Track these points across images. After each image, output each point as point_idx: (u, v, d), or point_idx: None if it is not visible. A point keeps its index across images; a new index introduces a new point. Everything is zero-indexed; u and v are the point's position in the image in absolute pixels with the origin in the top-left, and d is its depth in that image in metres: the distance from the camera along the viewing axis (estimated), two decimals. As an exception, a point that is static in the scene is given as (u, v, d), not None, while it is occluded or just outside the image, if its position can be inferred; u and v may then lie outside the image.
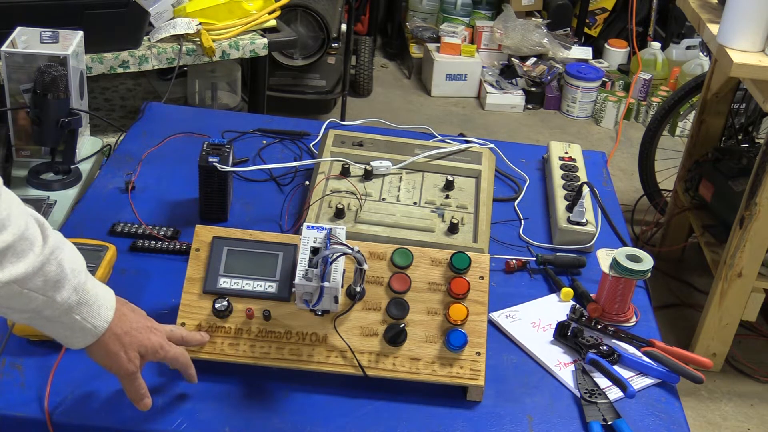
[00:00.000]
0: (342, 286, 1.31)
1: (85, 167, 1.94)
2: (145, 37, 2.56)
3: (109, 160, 1.90)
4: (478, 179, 1.80)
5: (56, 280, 1.06)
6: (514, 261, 1.66)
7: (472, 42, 4.72)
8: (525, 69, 4.59)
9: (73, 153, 1.88)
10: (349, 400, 1.32)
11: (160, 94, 3.03)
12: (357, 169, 1.79)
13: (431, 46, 4.64)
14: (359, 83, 4.43)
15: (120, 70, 2.50)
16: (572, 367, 1.43)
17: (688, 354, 1.46)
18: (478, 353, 1.33)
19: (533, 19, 4.72)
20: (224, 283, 1.36)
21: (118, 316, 1.16)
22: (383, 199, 1.72)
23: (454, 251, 1.40)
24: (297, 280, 1.27)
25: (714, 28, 2.51)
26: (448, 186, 1.76)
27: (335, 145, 1.84)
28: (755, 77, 2.42)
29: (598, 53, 4.80)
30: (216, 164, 1.64)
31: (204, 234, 1.40)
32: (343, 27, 4.06)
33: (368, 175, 1.77)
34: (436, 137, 1.99)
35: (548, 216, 1.84)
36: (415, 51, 4.81)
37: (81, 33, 1.95)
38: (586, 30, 4.92)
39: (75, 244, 1.49)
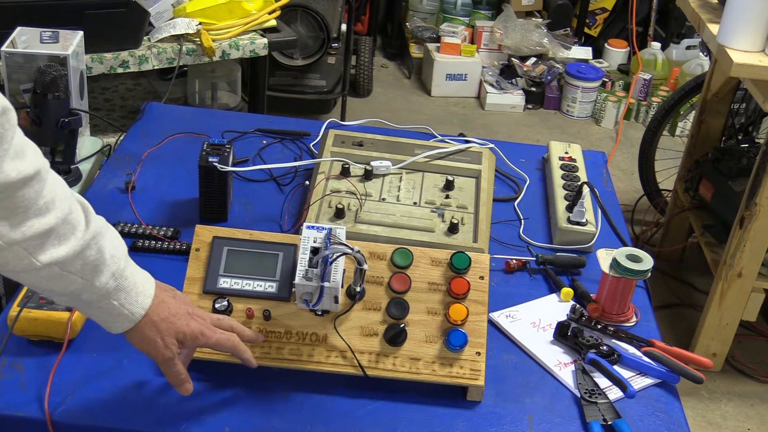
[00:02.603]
0: (342, 286, 1.31)
1: (85, 167, 1.94)
2: (145, 37, 2.56)
3: (109, 160, 1.90)
4: (478, 179, 1.80)
5: (95, 264, 1.09)
6: (514, 261, 1.66)
7: (472, 42, 4.72)
8: (525, 69, 4.59)
9: (73, 153, 1.88)
10: (349, 400, 1.32)
11: (160, 94, 3.04)
12: (357, 169, 1.79)
13: (431, 46, 4.64)
14: (359, 83, 4.43)
15: (120, 70, 2.50)
16: (572, 367, 1.43)
17: (688, 354, 1.46)
18: (478, 353, 1.33)
19: (533, 19, 4.72)
20: (224, 283, 1.36)
21: (156, 303, 1.17)
22: (383, 199, 1.72)
23: (454, 251, 1.40)
24: (297, 280, 1.27)
25: (714, 28, 2.51)
26: (448, 186, 1.76)
27: (335, 145, 1.84)
28: (755, 77, 2.42)
29: (598, 53, 4.80)
30: (216, 164, 1.64)
31: (204, 234, 1.40)
32: (343, 27, 4.06)
33: (368, 175, 1.77)
34: (436, 137, 1.99)
35: (548, 216, 1.84)
36: (415, 51, 4.81)
37: (81, 33, 1.95)
38: (586, 30, 4.92)
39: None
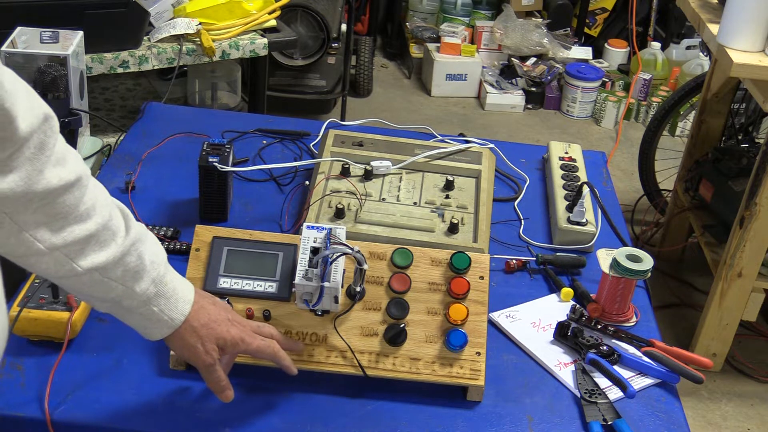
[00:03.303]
0: (342, 286, 1.31)
1: (85, 167, 1.94)
2: (145, 37, 2.56)
3: (109, 160, 1.90)
4: (478, 179, 1.80)
5: (136, 271, 1.10)
6: (514, 261, 1.66)
7: (472, 42, 4.72)
8: (525, 69, 4.59)
9: (73, 153, 1.88)
10: (349, 400, 1.32)
11: (160, 94, 3.04)
12: (357, 169, 1.79)
13: (431, 46, 4.64)
14: (359, 83, 4.43)
15: (120, 70, 2.50)
16: (572, 367, 1.43)
17: (688, 354, 1.46)
18: (478, 353, 1.33)
19: (533, 19, 4.72)
20: (224, 283, 1.36)
21: (196, 309, 1.18)
22: (383, 199, 1.72)
23: (454, 251, 1.40)
24: (297, 280, 1.27)
25: (714, 28, 2.51)
26: (448, 186, 1.76)
27: (335, 145, 1.84)
28: (755, 77, 2.42)
29: (598, 53, 4.80)
30: (216, 164, 1.64)
31: (204, 234, 1.40)
32: (343, 27, 4.06)
33: (368, 175, 1.77)
34: (436, 137, 1.99)
35: (548, 216, 1.84)
36: (415, 51, 4.81)
37: (81, 33, 1.95)
38: (586, 30, 4.92)
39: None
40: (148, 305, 1.13)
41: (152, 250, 1.13)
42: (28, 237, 1.00)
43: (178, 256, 1.59)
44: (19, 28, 1.93)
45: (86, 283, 1.07)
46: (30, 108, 0.95)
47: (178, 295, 1.16)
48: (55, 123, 0.99)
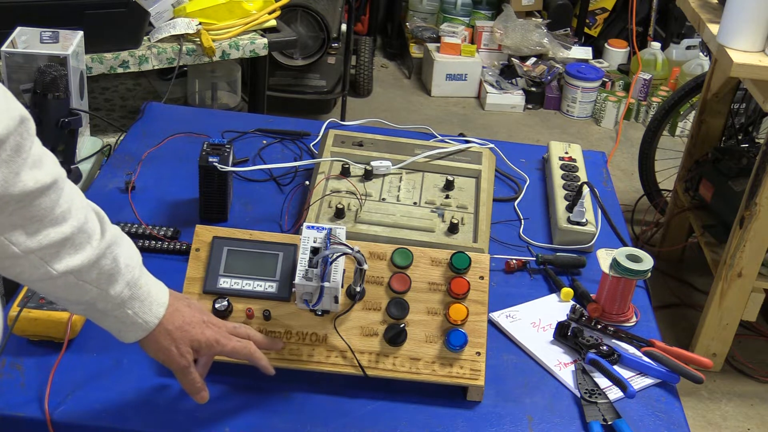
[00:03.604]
0: (342, 286, 1.31)
1: (85, 167, 1.94)
2: (145, 37, 2.56)
3: (109, 160, 1.90)
4: (478, 179, 1.80)
5: (110, 273, 1.09)
6: (514, 261, 1.66)
7: (472, 42, 4.72)
8: (525, 69, 4.59)
9: (73, 153, 1.88)
10: (349, 400, 1.32)
11: (160, 94, 3.04)
12: (357, 169, 1.79)
13: (431, 46, 4.64)
14: (359, 83, 4.43)
15: (120, 70, 2.50)
16: (572, 367, 1.43)
17: (688, 354, 1.46)
18: (478, 353, 1.33)
19: (533, 19, 4.72)
20: (224, 283, 1.36)
21: (170, 312, 1.18)
22: (383, 199, 1.72)
23: (454, 251, 1.40)
24: (297, 280, 1.27)
25: (714, 28, 2.51)
26: (448, 186, 1.76)
27: (335, 145, 1.84)
28: (755, 77, 2.42)
29: (598, 53, 4.80)
30: (216, 164, 1.64)
31: (204, 234, 1.40)
32: (343, 27, 4.06)
33: (368, 175, 1.77)
34: (436, 137, 1.99)
35: (548, 216, 1.84)
36: (415, 51, 4.81)
37: (81, 33, 1.95)
38: (586, 30, 4.92)
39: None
40: (122, 308, 1.12)
41: (127, 253, 1.13)
42: (2, 240, 0.99)
43: (178, 256, 1.59)
44: (19, 28, 1.93)
45: (61, 286, 1.06)
46: (6, 110, 0.93)
47: (153, 297, 1.16)
48: (32, 125, 0.98)
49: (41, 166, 0.99)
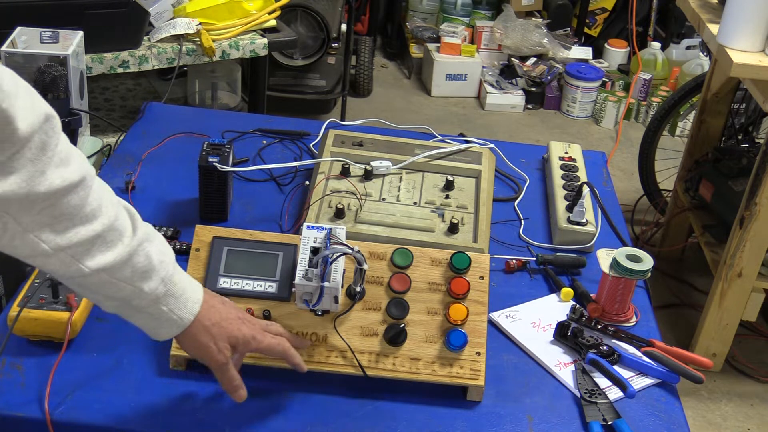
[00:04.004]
0: (342, 286, 1.31)
1: (85, 167, 1.94)
2: (145, 37, 2.56)
3: (109, 160, 1.90)
4: (478, 179, 1.80)
5: (144, 270, 1.09)
6: (514, 261, 1.66)
7: (472, 42, 4.72)
8: (525, 69, 4.59)
9: (73, 153, 1.88)
10: (349, 400, 1.32)
11: (160, 94, 3.03)
12: (357, 169, 1.79)
13: (431, 46, 4.64)
14: (359, 83, 4.43)
15: (120, 70, 2.50)
16: (572, 367, 1.43)
17: (688, 354, 1.46)
18: (478, 353, 1.33)
19: (533, 19, 4.72)
20: (224, 283, 1.36)
21: (206, 308, 1.18)
22: (383, 199, 1.72)
23: (454, 251, 1.40)
24: (297, 280, 1.27)
25: (714, 28, 2.51)
26: (448, 186, 1.76)
27: (335, 145, 1.84)
28: (755, 77, 2.42)
29: (598, 53, 4.80)
30: (216, 164, 1.64)
31: (204, 234, 1.40)
32: (343, 27, 4.06)
33: (368, 175, 1.77)
34: (436, 137, 1.99)
35: (548, 216, 1.84)
36: (415, 51, 4.81)
37: (81, 33, 1.95)
38: (586, 30, 4.92)
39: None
40: (157, 304, 1.12)
41: (160, 249, 1.13)
42: (32, 238, 0.99)
43: (178, 256, 1.57)
44: (19, 28, 1.93)
45: (94, 283, 1.07)
46: (30, 108, 0.94)
47: (188, 294, 1.16)
48: (57, 123, 0.98)
49: (68, 163, 0.99)
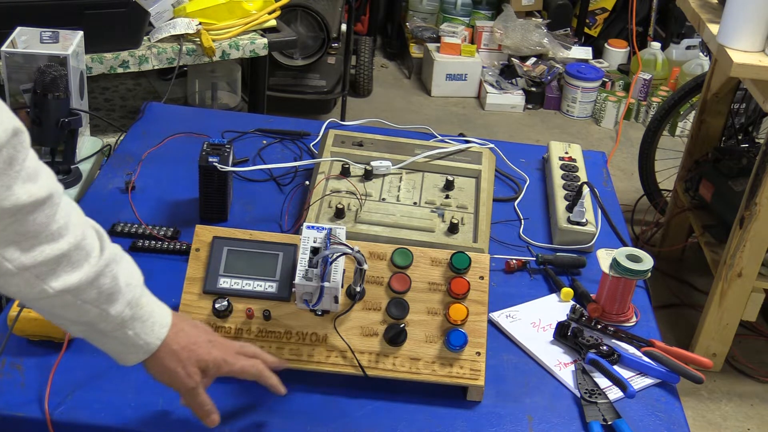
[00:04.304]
0: (342, 286, 1.31)
1: (85, 167, 1.94)
2: (145, 37, 2.56)
3: (109, 160, 1.90)
4: (478, 179, 1.80)
5: (110, 293, 1.06)
6: (514, 261, 1.66)
7: (472, 42, 4.72)
8: (525, 69, 4.59)
9: (73, 153, 1.88)
10: (349, 400, 1.32)
11: (160, 94, 3.03)
12: (357, 169, 1.79)
13: (431, 46, 4.64)
14: (359, 83, 4.43)
15: (120, 70, 2.50)
16: (572, 367, 1.43)
17: (688, 354, 1.46)
18: (478, 353, 1.33)
19: (533, 19, 4.72)
20: (224, 283, 1.36)
21: (174, 332, 1.14)
22: (383, 199, 1.72)
23: (454, 251, 1.40)
24: (297, 280, 1.27)
25: (714, 28, 2.51)
26: (448, 186, 1.76)
27: (335, 145, 1.84)
28: (755, 77, 2.42)
29: (598, 53, 4.80)
30: (216, 164, 1.64)
31: (204, 234, 1.40)
32: (343, 27, 4.06)
33: (368, 175, 1.77)
34: (436, 137, 1.99)
35: (548, 216, 1.84)
36: (415, 51, 4.81)
37: (81, 33, 1.95)
38: (586, 30, 4.92)
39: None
40: (123, 329, 1.09)
41: (128, 271, 1.10)
42: None
43: (178, 256, 1.59)
44: (19, 28, 1.93)
45: (58, 305, 1.03)
46: None
47: (155, 318, 1.12)
48: (26, 138, 0.95)
49: (36, 179, 0.96)
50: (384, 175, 1.79)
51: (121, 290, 1.07)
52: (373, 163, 1.78)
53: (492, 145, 1.97)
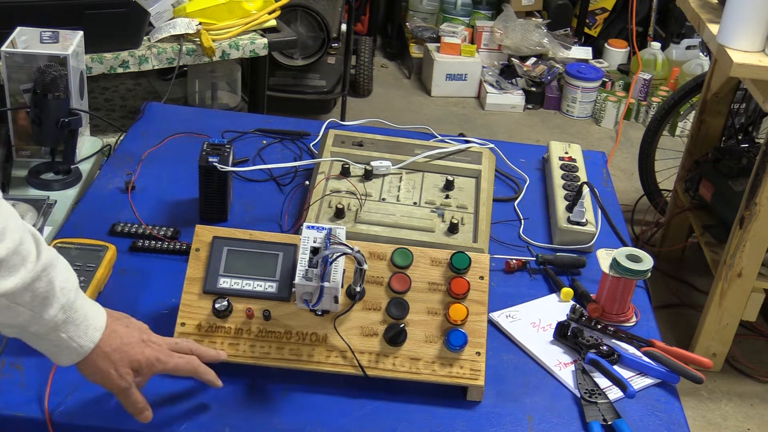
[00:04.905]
0: (342, 286, 1.31)
1: (85, 167, 1.94)
2: (145, 37, 2.56)
3: (109, 160, 1.90)
4: (478, 179, 1.80)
5: (44, 297, 1.06)
6: (514, 261, 1.66)
7: (472, 42, 4.72)
8: (525, 69, 4.59)
9: (73, 153, 1.88)
10: (349, 400, 1.32)
11: (160, 94, 3.03)
12: (357, 169, 1.79)
13: (431, 46, 4.64)
14: (359, 83, 4.43)
15: (120, 70, 2.50)
16: (572, 367, 1.43)
17: (688, 354, 1.46)
18: (478, 353, 1.33)
19: (533, 19, 4.72)
20: (224, 283, 1.36)
21: (107, 334, 1.15)
22: (383, 199, 1.72)
23: (454, 251, 1.40)
24: (297, 280, 1.27)
25: (714, 28, 2.51)
26: (448, 186, 1.76)
27: (335, 145, 1.84)
28: (755, 77, 2.42)
29: (598, 53, 4.80)
30: (216, 164, 1.64)
31: (204, 234, 1.40)
32: (343, 27, 4.06)
33: (368, 175, 1.77)
34: (436, 137, 1.99)
35: (548, 216, 1.84)
36: (415, 51, 4.81)
37: (81, 33, 1.95)
38: (586, 30, 4.92)
39: (75, 244, 1.50)
40: (56, 332, 1.10)
41: (63, 275, 1.10)
42: None
43: (178, 256, 1.59)
44: (19, 28, 1.93)
45: None
46: None
47: (89, 321, 1.13)
48: None
49: None
50: (384, 175, 1.79)
51: (55, 294, 1.08)
52: (373, 163, 1.78)
53: (492, 145, 1.97)
